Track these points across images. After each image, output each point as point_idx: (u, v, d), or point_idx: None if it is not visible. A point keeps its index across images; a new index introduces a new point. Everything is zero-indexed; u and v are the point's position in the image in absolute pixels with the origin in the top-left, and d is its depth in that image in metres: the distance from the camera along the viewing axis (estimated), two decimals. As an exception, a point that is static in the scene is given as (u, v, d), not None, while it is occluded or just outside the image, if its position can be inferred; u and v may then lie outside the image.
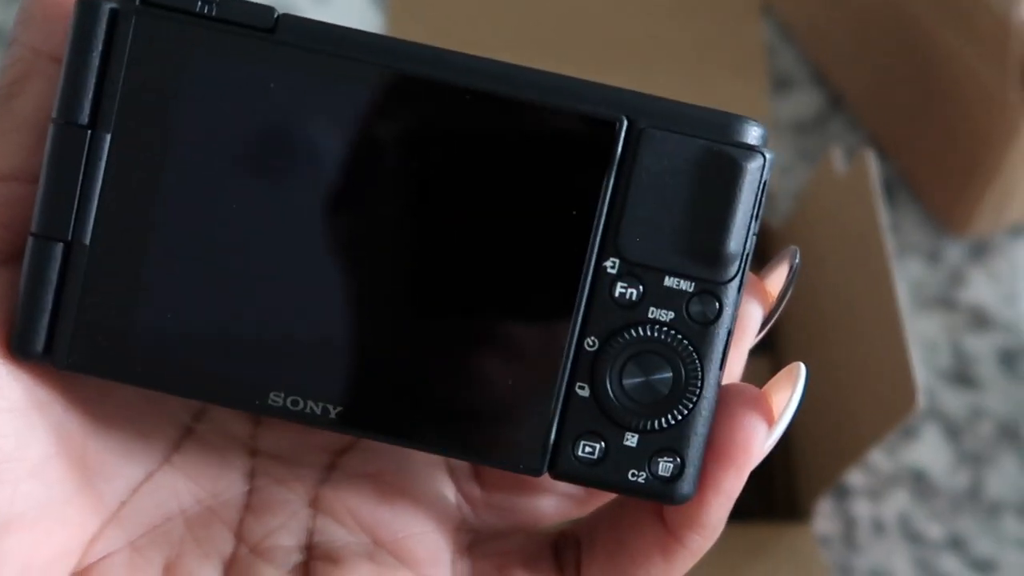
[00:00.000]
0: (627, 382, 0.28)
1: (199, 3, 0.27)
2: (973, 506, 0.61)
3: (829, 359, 0.58)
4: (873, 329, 0.53)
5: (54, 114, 0.27)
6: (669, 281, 0.27)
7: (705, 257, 0.27)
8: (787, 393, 0.28)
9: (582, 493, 0.32)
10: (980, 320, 0.66)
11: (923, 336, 0.65)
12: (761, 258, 0.29)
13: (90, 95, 0.27)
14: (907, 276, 0.66)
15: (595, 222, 0.27)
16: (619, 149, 0.27)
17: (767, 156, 0.27)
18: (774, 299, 0.30)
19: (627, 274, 0.27)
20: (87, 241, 0.27)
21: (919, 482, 0.62)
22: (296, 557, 0.30)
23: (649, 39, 0.70)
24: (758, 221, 0.28)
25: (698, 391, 0.27)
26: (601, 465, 0.28)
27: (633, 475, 0.28)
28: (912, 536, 0.61)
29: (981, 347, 0.65)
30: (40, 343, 0.27)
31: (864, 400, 0.53)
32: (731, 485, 0.28)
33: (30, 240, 0.27)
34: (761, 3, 0.73)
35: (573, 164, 0.27)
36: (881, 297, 0.52)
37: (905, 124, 0.68)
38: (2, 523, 0.27)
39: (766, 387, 0.29)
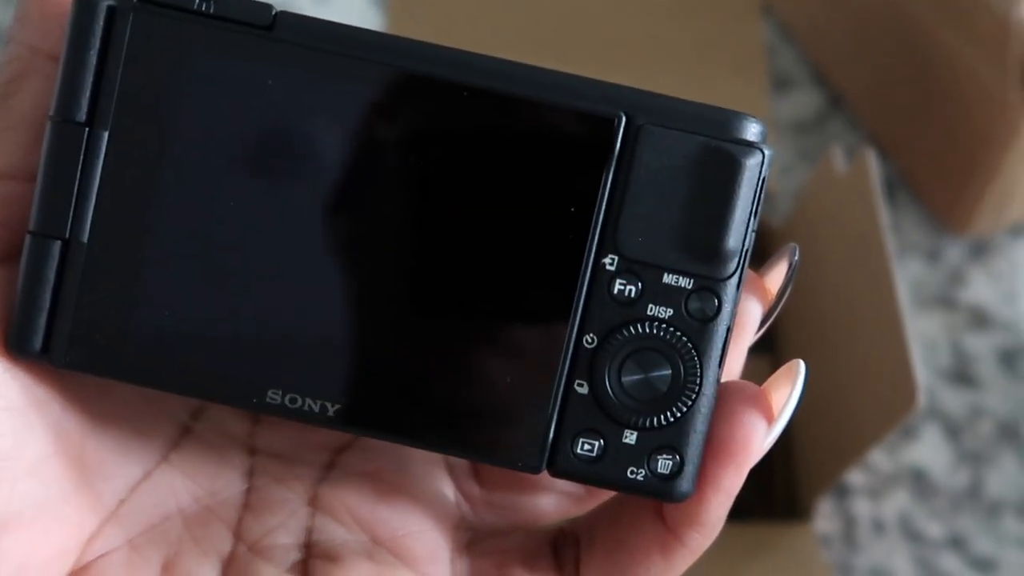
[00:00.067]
0: (626, 379, 0.27)
1: (196, 0, 0.27)
2: (973, 505, 0.61)
3: (829, 359, 0.57)
4: (873, 328, 0.53)
5: (51, 112, 0.27)
6: (668, 278, 0.27)
7: (704, 254, 0.27)
8: (787, 390, 0.28)
9: (581, 491, 0.32)
10: (980, 320, 0.66)
11: (923, 336, 0.65)
12: (761, 258, 0.29)
13: (87, 93, 0.27)
14: (907, 276, 0.66)
15: (594, 219, 0.27)
16: (618, 145, 0.27)
17: (766, 152, 0.27)
18: (773, 296, 0.30)
19: (626, 271, 0.27)
20: (85, 239, 0.27)
21: (919, 481, 0.62)
22: (295, 555, 0.30)
23: (649, 39, 0.70)
24: (757, 218, 0.28)
25: (697, 388, 0.27)
26: (600, 463, 0.28)
27: (632, 473, 0.28)
28: (912, 535, 0.61)
29: (981, 347, 0.65)
30: (38, 341, 0.27)
31: (864, 399, 0.53)
32: (731, 483, 0.28)
33: (28, 238, 0.27)
34: (761, 3, 0.73)
35: (572, 161, 0.27)
36: (881, 297, 0.52)
37: (905, 124, 0.68)
38: (0, 522, 0.27)
39: (766, 384, 0.28)
